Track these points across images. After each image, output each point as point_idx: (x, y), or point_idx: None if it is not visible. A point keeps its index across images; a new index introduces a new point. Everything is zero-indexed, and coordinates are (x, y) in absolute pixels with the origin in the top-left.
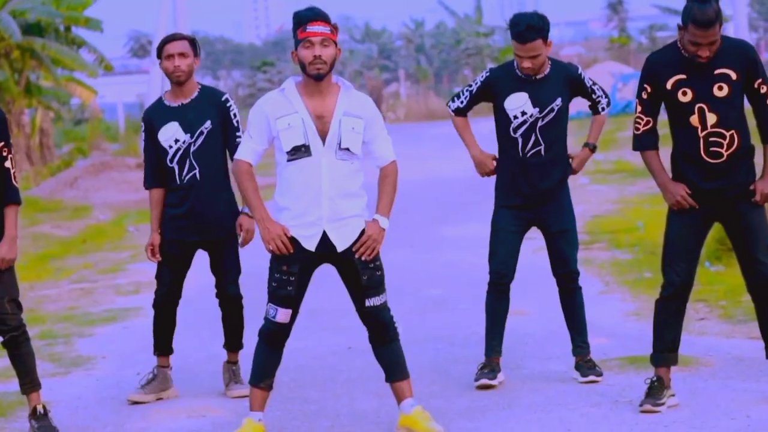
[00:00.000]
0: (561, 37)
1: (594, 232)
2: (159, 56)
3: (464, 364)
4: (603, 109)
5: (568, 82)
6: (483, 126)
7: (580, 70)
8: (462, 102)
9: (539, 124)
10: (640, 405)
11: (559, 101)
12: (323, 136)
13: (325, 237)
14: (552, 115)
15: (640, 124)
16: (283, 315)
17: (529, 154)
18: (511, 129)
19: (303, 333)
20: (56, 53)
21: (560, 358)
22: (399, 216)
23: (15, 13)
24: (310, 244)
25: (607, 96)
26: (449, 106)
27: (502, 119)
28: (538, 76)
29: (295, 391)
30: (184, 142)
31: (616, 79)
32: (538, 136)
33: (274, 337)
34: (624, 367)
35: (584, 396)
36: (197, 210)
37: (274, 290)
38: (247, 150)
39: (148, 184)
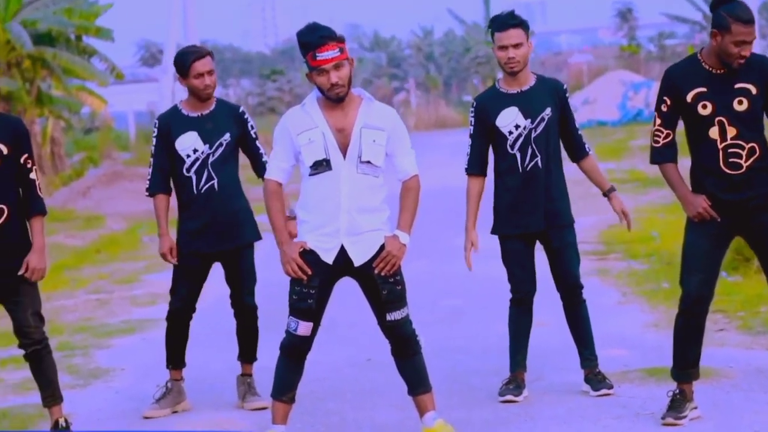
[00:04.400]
0: (569, 44)
1: (609, 242)
2: (183, 72)
3: (484, 375)
4: (589, 148)
5: (554, 93)
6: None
7: (565, 86)
8: (468, 153)
9: (533, 135)
10: (663, 418)
11: (548, 111)
12: (344, 150)
13: (343, 250)
14: (543, 124)
15: (659, 136)
16: (304, 328)
17: (528, 168)
18: (508, 146)
19: (320, 345)
20: (67, 62)
21: (580, 370)
22: (414, 227)
23: (26, 23)
24: (328, 257)
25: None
26: (466, 171)
27: (498, 140)
28: (523, 88)
29: (315, 403)
30: (202, 153)
31: (626, 87)
32: (534, 147)
33: (295, 351)
34: (645, 379)
35: (605, 408)
36: (216, 221)
37: (295, 303)
38: (274, 168)
39: (155, 189)
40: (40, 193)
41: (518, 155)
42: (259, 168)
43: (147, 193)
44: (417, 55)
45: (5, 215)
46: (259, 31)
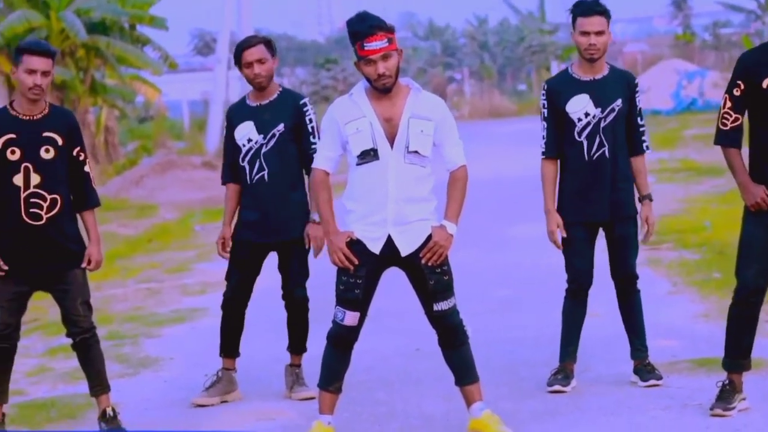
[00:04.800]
0: (624, 33)
1: (661, 232)
2: (237, 62)
3: (533, 366)
4: (648, 147)
5: (626, 85)
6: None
7: (636, 80)
8: (544, 137)
9: (602, 124)
10: (711, 409)
11: (619, 102)
12: (391, 140)
13: (390, 240)
14: (613, 115)
15: (728, 120)
16: (351, 318)
17: (594, 157)
18: (575, 133)
19: (368, 335)
20: (121, 51)
21: (629, 361)
22: (465, 216)
23: (80, 11)
24: (375, 247)
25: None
26: (542, 155)
27: (566, 125)
28: (596, 77)
29: (363, 393)
30: (256, 143)
31: (680, 76)
32: (602, 137)
33: (342, 341)
34: (694, 370)
35: (653, 399)
36: (265, 211)
37: (342, 293)
38: (321, 158)
39: (225, 179)
40: (93, 186)
41: (585, 143)
42: (305, 162)
43: (221, 182)
44: (471, 44)
45: (59, 205)
46: (314, 19)
